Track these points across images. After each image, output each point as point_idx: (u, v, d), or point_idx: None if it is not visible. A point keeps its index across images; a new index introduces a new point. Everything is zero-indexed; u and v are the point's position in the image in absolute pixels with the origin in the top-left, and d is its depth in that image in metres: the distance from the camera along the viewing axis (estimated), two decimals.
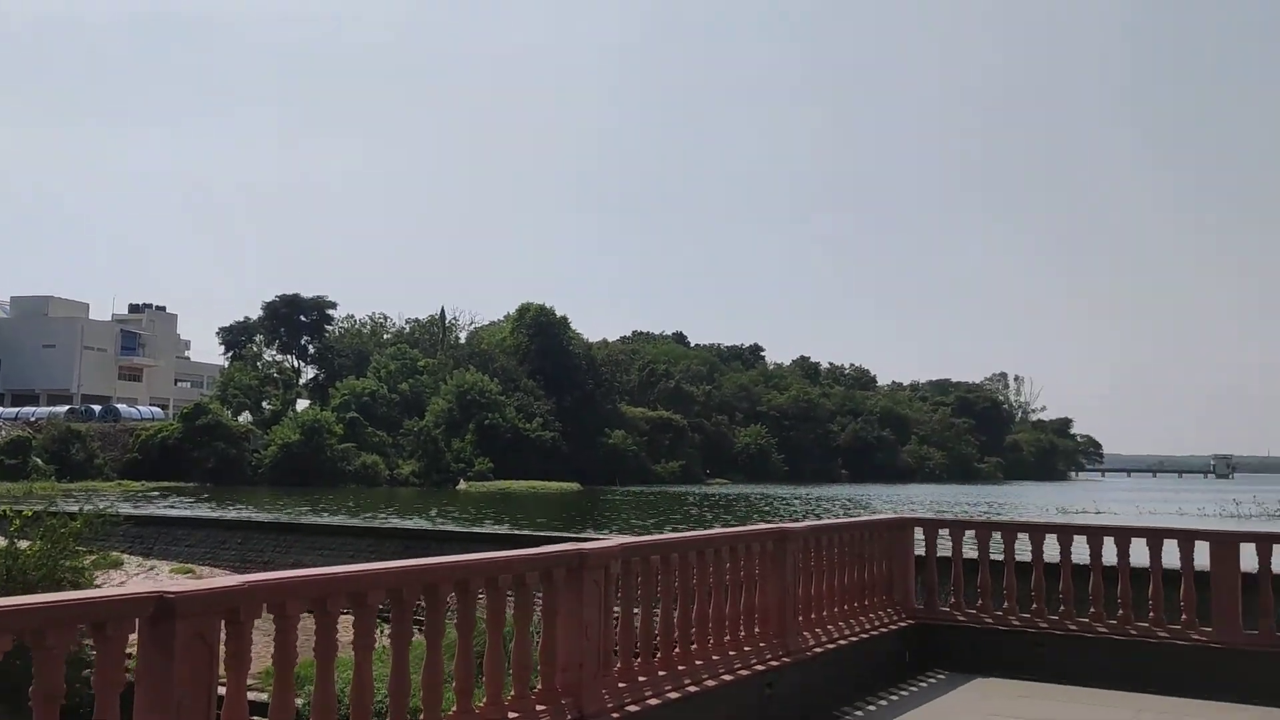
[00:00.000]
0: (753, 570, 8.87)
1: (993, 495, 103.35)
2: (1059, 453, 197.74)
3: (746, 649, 8.59)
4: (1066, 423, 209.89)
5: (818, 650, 9.39)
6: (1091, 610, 10.59)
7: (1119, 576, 10.55)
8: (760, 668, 8.54)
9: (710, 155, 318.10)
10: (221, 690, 4.80)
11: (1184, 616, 10.25)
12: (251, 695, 5.34)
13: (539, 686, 6.71)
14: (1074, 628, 10.59)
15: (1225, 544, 10.10)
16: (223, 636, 4.84)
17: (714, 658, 8.19)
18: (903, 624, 11.01)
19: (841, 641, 9.81)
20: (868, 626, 10.43)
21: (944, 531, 11.70)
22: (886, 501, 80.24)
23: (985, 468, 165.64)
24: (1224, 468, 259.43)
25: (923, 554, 11.61)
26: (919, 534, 11.64)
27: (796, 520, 10.93)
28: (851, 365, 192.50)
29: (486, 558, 6.45)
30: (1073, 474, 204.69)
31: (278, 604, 5.08)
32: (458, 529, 30.49)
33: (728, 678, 8.12)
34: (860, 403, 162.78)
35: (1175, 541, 10.42)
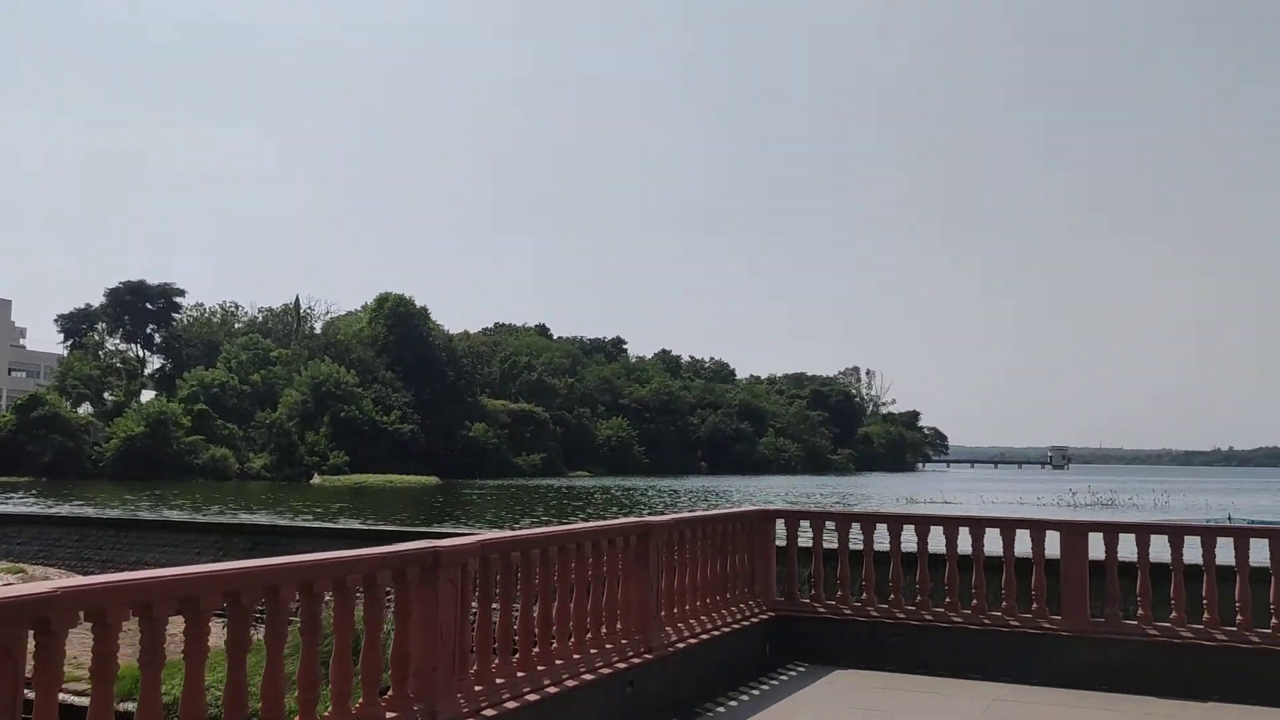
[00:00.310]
0: (615, 566, 8.66)
1: (845, 486, 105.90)
2: (908, 444, 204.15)
3: (608, 647, 8.38)
4: (915, 415, 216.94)
5: (680, 646, 9.24)
6: (947, 600, 10.73)
7: (973, 566, 10.71)
8: (622, 666, 8.33)
9: (579, 150, 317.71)
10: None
11: (1035, 605, 10.45)
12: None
13: (390, 693, 6.36)
14: (929, 617, 10.71)
15: (1075, 533, 10.34)
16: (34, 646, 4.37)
17: (575, 657, 7.95)
18: (764, 616, 10.97)
19: (704, 636, 9.69)
20: (730, 620, 10.34)
21: (805, 523, 11.71)
22: (744, 493, 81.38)
23: (838, 459, 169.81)
24: (1060, 459, 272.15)
25: (784, 545, 11.61)
26: (780, 526, 11.64)
27: (660, 514, 10.77)
28: (712, 359, 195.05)
29: (334, 557, 6.06)
30: (920, 465, 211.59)
31: (96, 611, 4.62)
32: (309, 524, 29.55)
33: (589, 677, 7.89)
34: (720, 396, 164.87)
35: (1027, 531, 10.62)
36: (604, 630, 8.45)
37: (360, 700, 6.11)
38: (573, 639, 8.04)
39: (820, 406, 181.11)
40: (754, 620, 10.75)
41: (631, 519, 9.12)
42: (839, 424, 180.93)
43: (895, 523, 11.13)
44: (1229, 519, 51.44)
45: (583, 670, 7.91)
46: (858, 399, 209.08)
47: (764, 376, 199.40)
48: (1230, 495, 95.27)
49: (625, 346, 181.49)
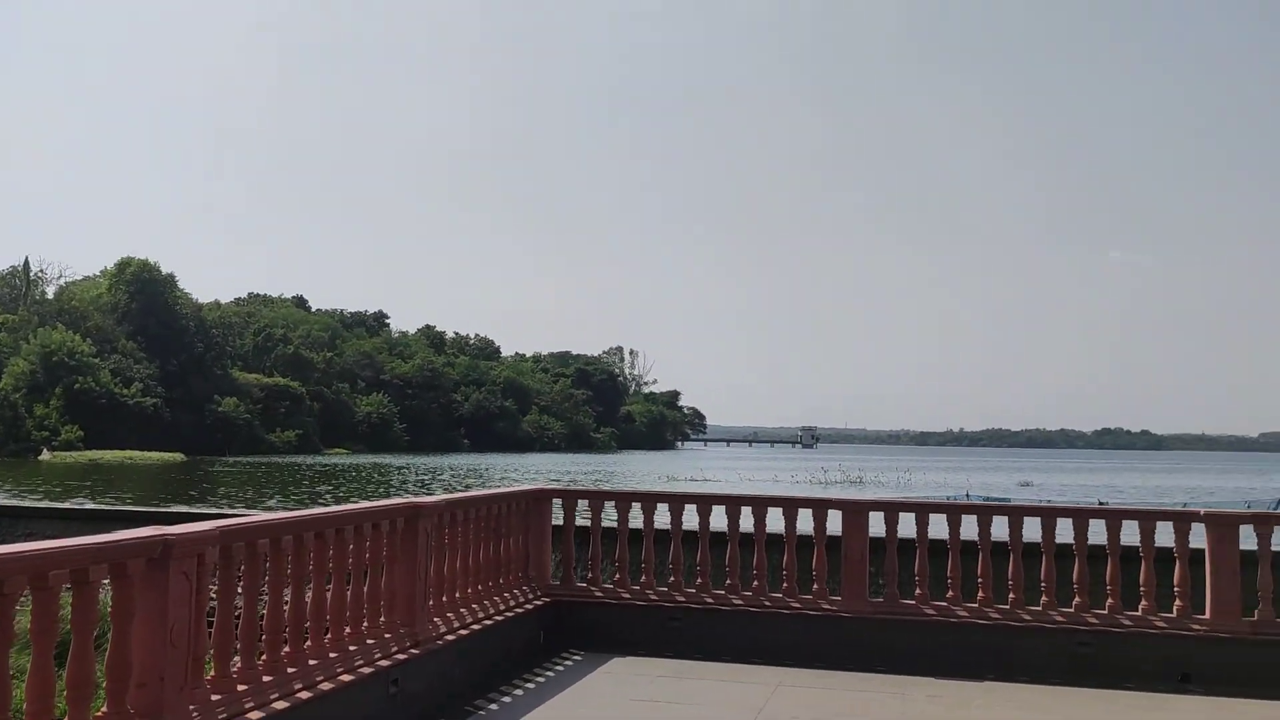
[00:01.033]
0: (380, 552, 7.79)
1: (608, 464, 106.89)
2: (668, 423, 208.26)
3: (370, 642, 7.51)
4: (675, 395, 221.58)
5: (450, 638, 8.45)
6: (728, 582, 10.38)
7: (754, 547, 10.41)
8: (385, 663, 7.48)
9: (344, 115, 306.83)
10: None
11: (815, 586, 10.25)
12: None
13: (105, 708, 5.32)
14: (710, 600, 10.33)
15: (855, 512, 10.17)
16: None
17: (332, 655, 7.05)
18: (539, 603, 10.32)
19: (475, 626, 8.94)
20: (502, 608, 9.63)
21: (583, 503, 11.12)
22: (507, 472, 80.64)
23: (601, 438, 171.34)
24: (809, 438, 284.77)
25: (561, 525, 10.99)
26: (557, 506, 11.01)
27: (420, 494, 9.91)
28: (477, 336, 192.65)
29: (33, 549, 4.97)
30: (679, 443, 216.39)
31: None
32: (19, 503, 26.70)
33: (347, 678, 7.01)
34: (484, 373, 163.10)
35: (810, 510, 10.40)
36: (366, 624, 7.58)
37: None
38: (330, 635, 7.14)
39: (585, 385, 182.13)
40: (529, 607, 10.08)
41: (398, 500, 8.25)
42: (602, 403, 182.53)
43: (677, 502, 10.69)
44: (967, 496, 54.75)
45: (340, 670, 7.02)
46: (621, 378, 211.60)
47: (529, 355, 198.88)
48: (964, 473, 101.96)
49: (388, 321, 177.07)
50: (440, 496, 8.74)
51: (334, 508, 7.64)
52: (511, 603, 9.85)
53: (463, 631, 8.70)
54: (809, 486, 72.29)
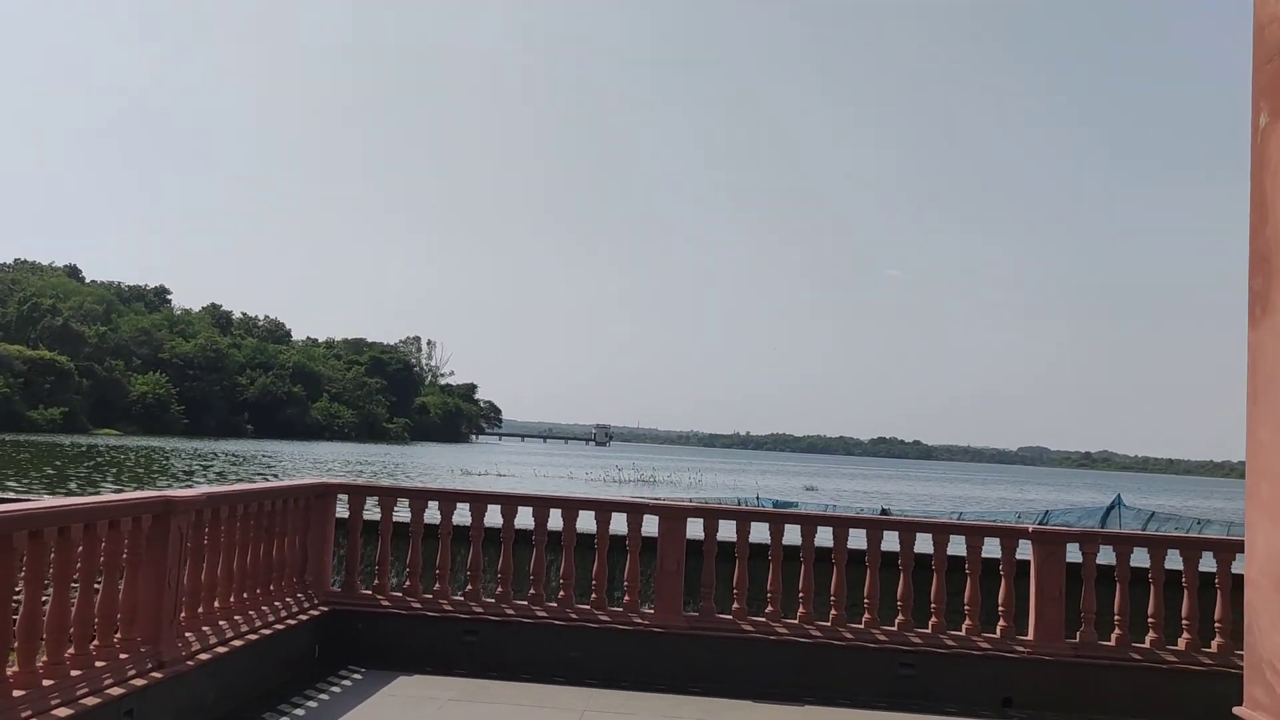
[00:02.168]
0: (120, 555, 6.46)
1: (401, 455, 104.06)
2: (463, 416, 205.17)
3: (100, 665, 6.17)
4: (472, 388, 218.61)
5: (204, 657, 7.15)
6: (531, 592, 9.41)
7: (563, 552, 9.48)
8: (117, 691, 6.15)
9: (135, 76, 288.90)
10: None
11: (626, 598, 9.39)
12: None
13: None
14: (511, 612, 9.32)
15: (673, 518, 9.36)
16: None
17: (47, 683, 5.70)
18: (315, 612, 9.07)
19: (237, 642, 7.65)
20: (272, 619, 8.35)
21: (372, 500, 9.91)
22: (290, 459, 77.16)
23: (394, 428, 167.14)
24: (603, 436, 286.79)
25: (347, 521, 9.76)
26: (343, 502, 9.78)
27: (202, 483, 8.52)
28: (267, 317, 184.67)
29: None
30: (474, 437, 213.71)
31: None
32: None
33: (63, 711, 5.67)
34: (273, 356, 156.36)
35: (625, 515, 9.54)
36: (96, 643, 6.24)
37: None
38: (45, 659, 5.79)
39: (379, 374, 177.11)
40: (303, 618, 8.82)
41: (146, 493, 6.89)
42: (397, 392, 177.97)
43: (479, 501, 9.62)
44: (757, 499, 55.44)
45: (55, 701, 5.67)
46: (417, 369, 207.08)
47: (322, 340, 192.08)
48: (751, 476, 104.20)
49: (170, 297, 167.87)
50: (201, 490, 7.39)
51: (62, 501, 6.25)
52: (284, 613, 8.58)
53: (221, 649, 7.40)
54: (604, 485, 72.00)
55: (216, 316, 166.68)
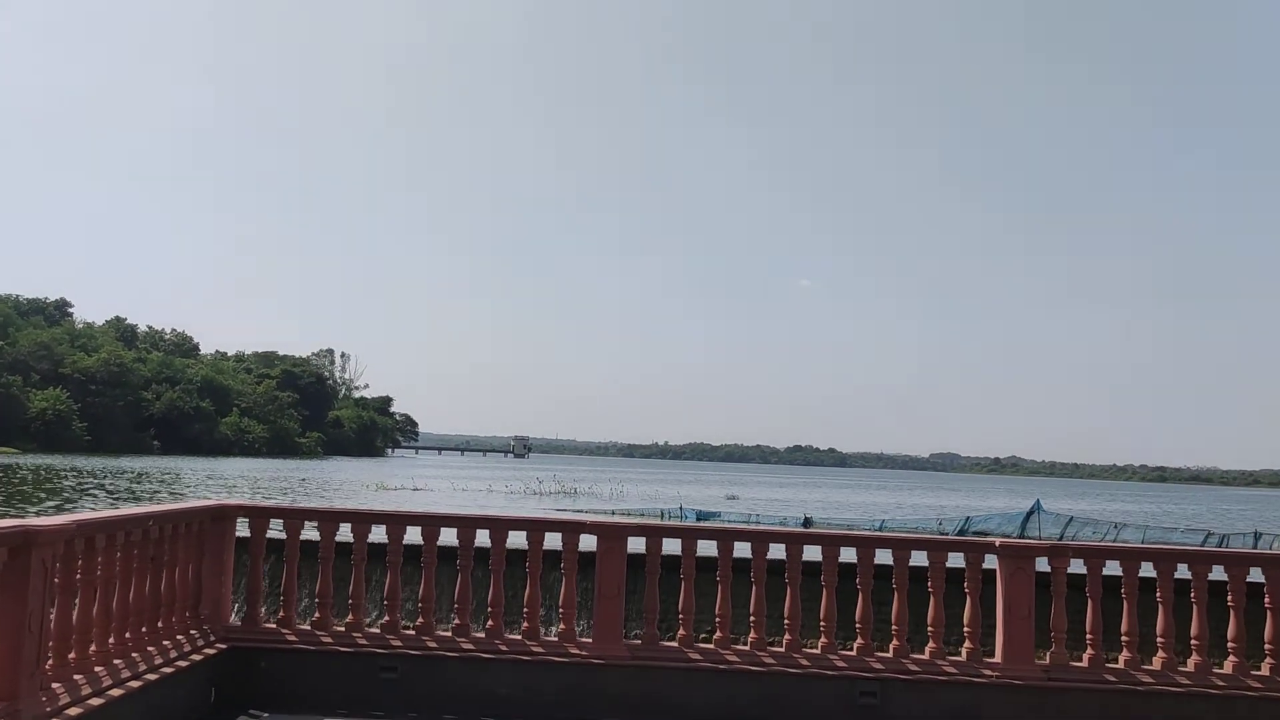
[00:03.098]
0: None
1: (314, 471, 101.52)
2: (378, 429, 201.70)
3: None
4: (387, 401, 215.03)
5: (75, 711, 6.14)
6: (456, 622, 8.51)
7: (491, 578, 8.60)
8: None
9: (21, 80, 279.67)
10: None
11: (561, 627, 8.55)
12: None
13: None
14: (434, 645, 8.41)
15: (613, 537, 8.54)
16: None
17: None
18: (210, 651, 8.06)
19: (116, 691, 6.64)
20: (160, 662, 7.34)
21: (277, 523, 8.91)
22: (195, 476, 74.61)
23: (306, 442, 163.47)
24: (521, 448, 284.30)
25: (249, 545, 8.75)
26: (244, 526, 8.78)
27: (74, 510, 7.47)
28: (173, 330, 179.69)
29: None
30: (390, 450, 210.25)
31: None
32: None
33: None
34: (180, 370, 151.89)
35: (559, 535, 8.68)
36: None
37: None
38: None
39: (291, 387, 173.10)
40: (196, 658, 7.81)
41: (3, 523, 5.88)
42: (309, 406, 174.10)
43: (397, 523, 8.70)
44: (680, 509, 54.85)
45: None
46: (330, 381, 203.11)
47: (231, 353, 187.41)
48: (673, 485, 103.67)
49: (71, 310, 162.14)
50: (69, 518, 6.36)
51: None
52: (174, 654, 7.58)
53: (96, 700, 6.39)
54: (524, 497, 70.80)
55: (120, 330, 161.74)
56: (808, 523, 52.84)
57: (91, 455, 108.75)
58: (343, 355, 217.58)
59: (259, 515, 8.75)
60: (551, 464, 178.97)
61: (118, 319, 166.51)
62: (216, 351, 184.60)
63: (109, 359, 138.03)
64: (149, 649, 7.31)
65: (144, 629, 7.33)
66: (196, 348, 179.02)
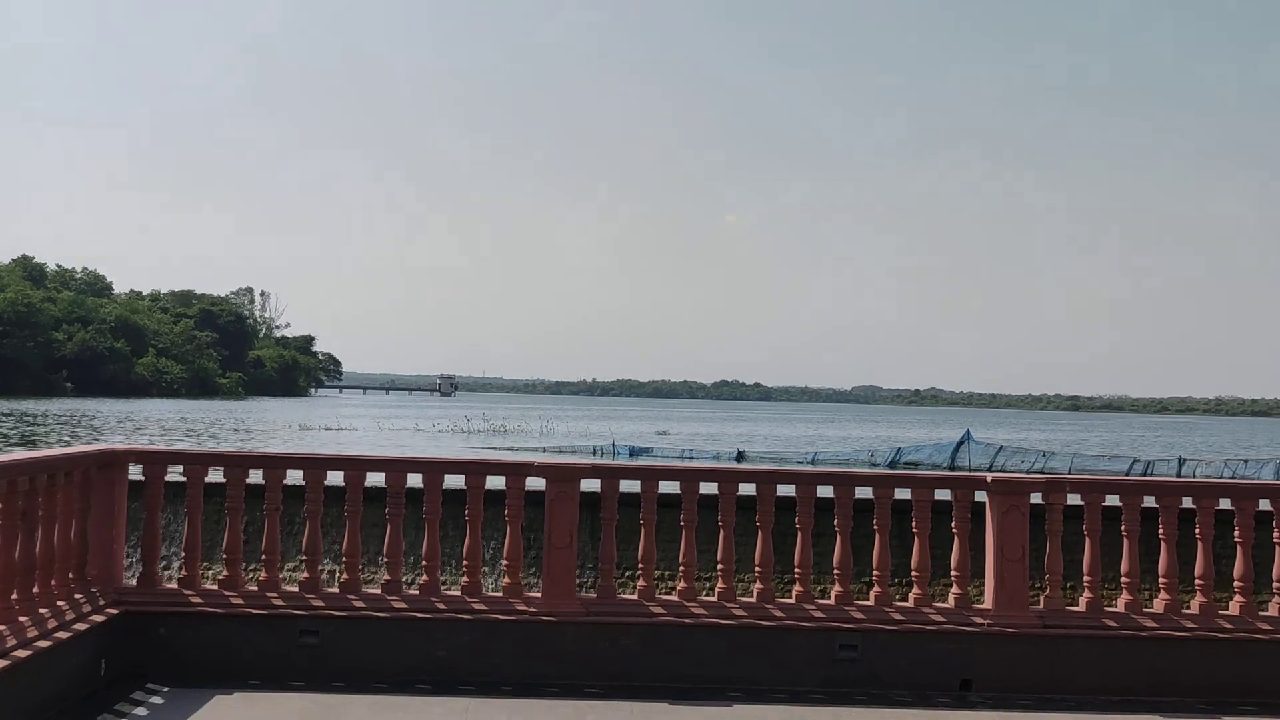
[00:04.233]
0: None
1: (235, 411, 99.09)
2: (301, 369, 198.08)
3: None
4: (309, 340, 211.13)
5: None
6: (386, 578, 7.52)
7: (425, 527, 7.61)
8: None
9: None
10: None
11: (506, 580, 7.59)
12: None
13: None
14: (360, 605, 7.41)
15: (563, 479, 7.57)
16: None
17: None
18: (100, 617, 6.97)
19: None
20: (36, 634, 6.26)
21: (177, 469, 7.77)
22: (112, 418, 72.21)
23: (226, 383, 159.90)
24: (448, 386, 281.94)
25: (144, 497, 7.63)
26: (137, 474, 7.65)
27: None
28: (84, 269, 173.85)
29: None
30: (313, 390, 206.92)
31: None
32: None
33: None
34: (93, 310, 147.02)
35: (503, 479, 7.69)
36: None
37: None
38: None
39: (209, 327, 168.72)
40: (82, 626, 6.73)
41: None
42: (229, 346, 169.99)
43: (315, 468, 7.61)
44: (612, 445, 54.18)
45: None
46: (250, 320, 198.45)
47: (147, 292, 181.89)
48: (604, 422, 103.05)
49: None
50: None
51: None
52: (54, 623, 6.48)
53: None
54: (452, 436, 69.56)
55: (28, 269, 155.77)
56: (740, 457, 52.54)
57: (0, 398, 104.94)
58: (262, 294, 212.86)
59: (155, 461, 7.60)
60: (479, 402, 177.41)
61: (25, 258, 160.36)
62: (131, 291, 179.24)
63: (16, 299, 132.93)
64: (21, 619, 6.21)
65: (15, 596, 6.22)
66: (110, 287, 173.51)
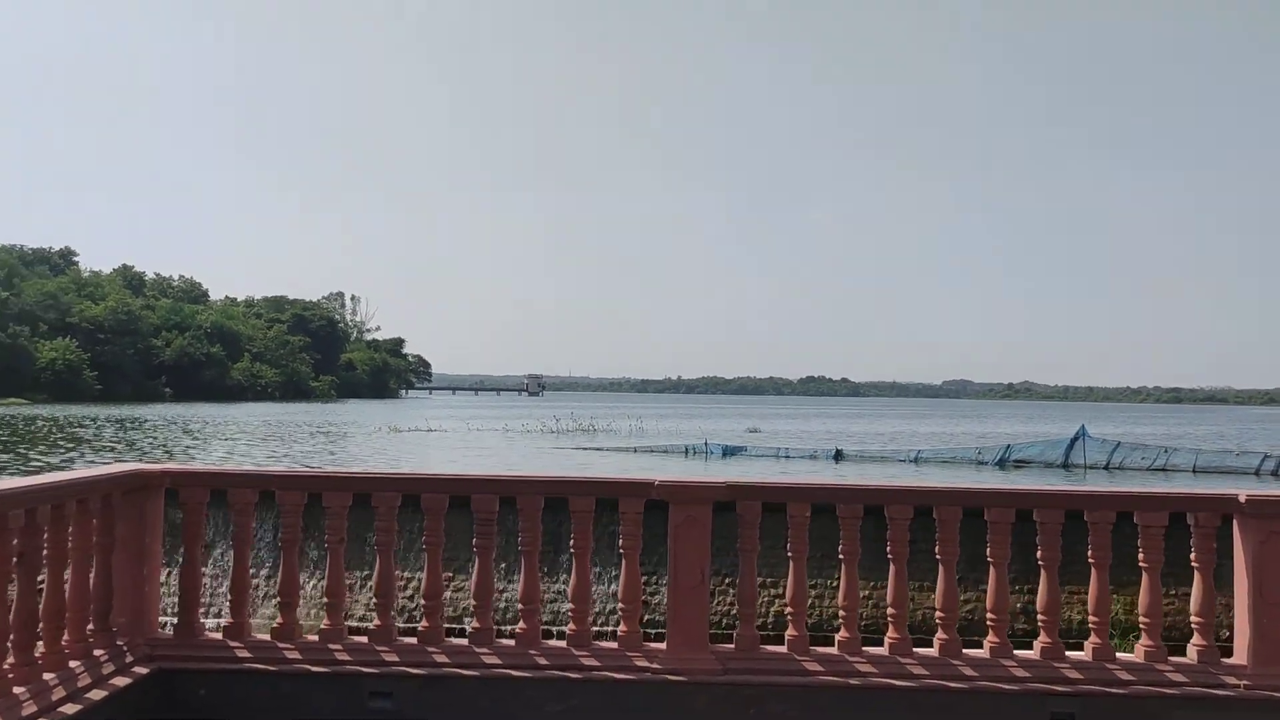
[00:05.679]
0: None
1: (326, 414, 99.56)
2: (391, 371, 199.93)
3: None
4: (399, 342, 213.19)
5: None
6: (475, 625, 6.07)
7: (522, 561, 6.14)
8: None
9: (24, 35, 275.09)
10: None
11: (623, 628, 6.08)
12: None
13: None
14: (444, 659, 5.95)
15: (692, 501, 6.04)
16: None
17: None
18: (125, 679, 5.64)
19: None
20: (52, 700, 4.94)
21: (235, 492, 6.41)
22: (207, 423, 72.53)
23: (319, 386, 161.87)
24: (535, 386, 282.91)
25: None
26: (185, 499, 6.32)
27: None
28: (181, 277, 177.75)
29: None
30: (403, 392, 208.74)
31: None
32: None
33: None
34: (189, 317, 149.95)
35: (618, 501, 6.18)
36: None
37: None
38: None
39: (302, 331, 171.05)
40: (101, 692, 5.40)
41: None
42: (321, 350, 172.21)
43: (389, 489, 6.20)
44: (705, 444, 52.55)
45: None
46: (342, 325, 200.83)
47: (241, 299, 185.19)
48: (693, 420, 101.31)
49: (76, 259, 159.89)
50: None
51: None
52: (73, 686, 5.16)
53: None
54: (541, 436, 68.44)
55: (128, 278, 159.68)
56: (839, 456, 50.50)
57: (102, 404, 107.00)
58: (353, 298, 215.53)
59: (194, 483, 6.24)
60: (566, 401, 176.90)
61: (125, 267, 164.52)
62: (226, 297, 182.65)
63: (117, 307, 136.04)
64: (15, 690, 4.88)
65: (9, 662, 4.90)
66: (205, 294, 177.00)
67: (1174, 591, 6.57)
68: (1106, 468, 43.62)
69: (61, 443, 46.82)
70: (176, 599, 6.22)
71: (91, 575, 5.63)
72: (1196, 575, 5.98)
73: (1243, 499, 5.91)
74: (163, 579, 6.48)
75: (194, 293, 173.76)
